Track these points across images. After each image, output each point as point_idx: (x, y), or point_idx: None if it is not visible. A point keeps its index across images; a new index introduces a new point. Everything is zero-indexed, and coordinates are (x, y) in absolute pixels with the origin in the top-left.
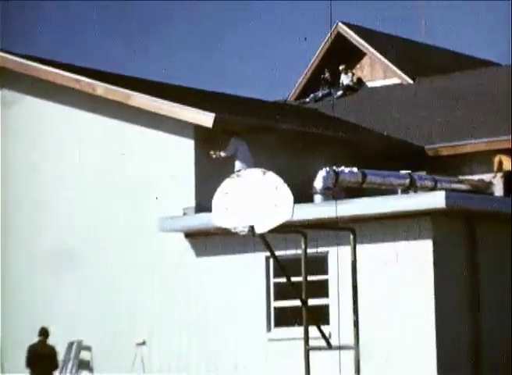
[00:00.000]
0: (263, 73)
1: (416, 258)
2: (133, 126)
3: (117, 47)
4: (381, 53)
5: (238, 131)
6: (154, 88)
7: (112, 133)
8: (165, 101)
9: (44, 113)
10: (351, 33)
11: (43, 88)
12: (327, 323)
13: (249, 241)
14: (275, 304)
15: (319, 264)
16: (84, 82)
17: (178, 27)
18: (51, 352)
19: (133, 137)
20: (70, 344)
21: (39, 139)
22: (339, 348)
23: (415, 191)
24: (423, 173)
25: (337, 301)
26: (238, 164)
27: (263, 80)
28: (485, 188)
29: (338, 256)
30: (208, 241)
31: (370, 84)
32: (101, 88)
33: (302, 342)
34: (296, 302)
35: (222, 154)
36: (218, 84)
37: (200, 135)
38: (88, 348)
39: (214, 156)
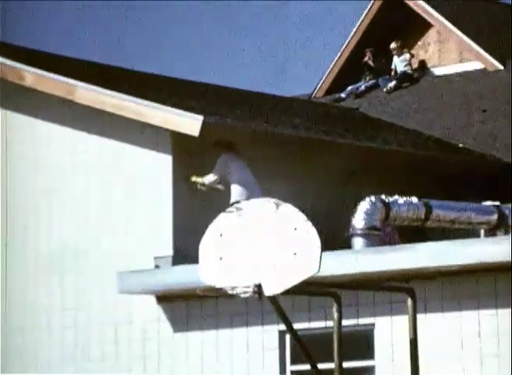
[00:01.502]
0: (277, 57)
1: (509, 334)
2: (79, 134)
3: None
4: (455, 24)
5: (233, 143)
6: (112, 77)
7: (60, 143)
8: (127, 97)
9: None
10: None
11: None
12: None
13: (254, 307)
14: None
15: (361, 343)
16: (7, 66)
17: None
18: None
19: (80, 149)
20: None
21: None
22: None
23: (507, 233)
24: None
25: None
26: (236, 191)
27: (277, 66)
28: None
29: (390, 331)
30: (192, 307)
31: (438, 71)
32: (32, 76)
33: None
34: None
35: (208, 181)
36: (214, 73)
37: (181, 148)
38: None
39: (198, 186)
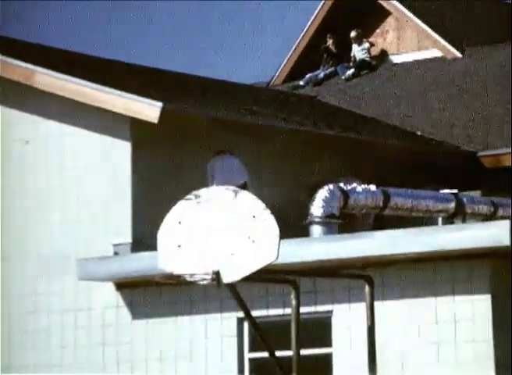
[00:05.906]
0: (234, 41)
1: (466, 320)
2: (36, 119)
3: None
4: (413, 12)
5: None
6: (72, 62)
7: (13, 129)
8: (86, 82)
9: None
10: None
11: None
12: None
13: (213, 294)
14: None
15: (318, 330)
16: None
17: None
18: None
19: (40, 135)
20: None
21: None
22: None
23: (464, 221)
24: (476, 194)
25: None
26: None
27: (234, 51)
28: None
29: (348, 318)
30: (151, 294)
31: (396, 59)
32: None
33: None
34: None
35: None
36: (172, 60)
37: (140, 135)
38: None
39: None
